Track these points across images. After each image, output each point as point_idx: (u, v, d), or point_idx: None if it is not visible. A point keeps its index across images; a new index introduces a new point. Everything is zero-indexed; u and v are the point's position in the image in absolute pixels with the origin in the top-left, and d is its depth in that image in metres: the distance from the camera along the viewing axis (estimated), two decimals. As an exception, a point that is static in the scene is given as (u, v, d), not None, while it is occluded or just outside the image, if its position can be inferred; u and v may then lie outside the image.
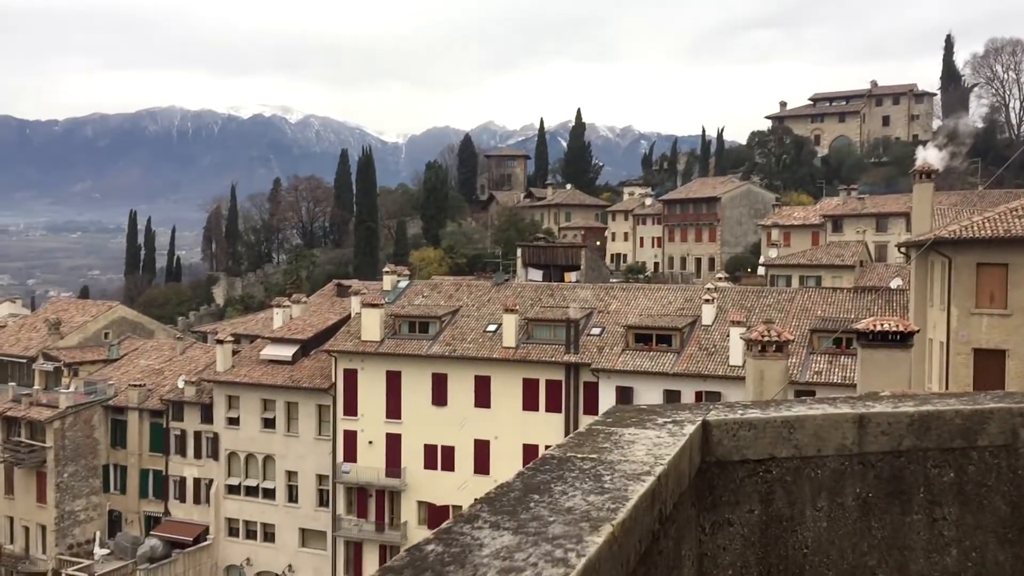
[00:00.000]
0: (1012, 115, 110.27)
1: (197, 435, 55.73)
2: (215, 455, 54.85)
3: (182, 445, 56.28)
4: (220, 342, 55.28)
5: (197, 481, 55.99)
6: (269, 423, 53.51)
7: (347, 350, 51.35)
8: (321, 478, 52.56)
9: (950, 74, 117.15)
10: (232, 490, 54.60)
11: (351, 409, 51.39)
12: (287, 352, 54.11)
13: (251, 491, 54.06)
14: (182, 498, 56.69)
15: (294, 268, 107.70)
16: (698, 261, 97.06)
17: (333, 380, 51.68)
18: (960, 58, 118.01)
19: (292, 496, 53.40)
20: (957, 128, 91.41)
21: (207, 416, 55.13)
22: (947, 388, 29.15)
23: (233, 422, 54.33)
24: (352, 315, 54.30)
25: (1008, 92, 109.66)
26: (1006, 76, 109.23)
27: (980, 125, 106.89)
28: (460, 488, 49.51)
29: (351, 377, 51.44)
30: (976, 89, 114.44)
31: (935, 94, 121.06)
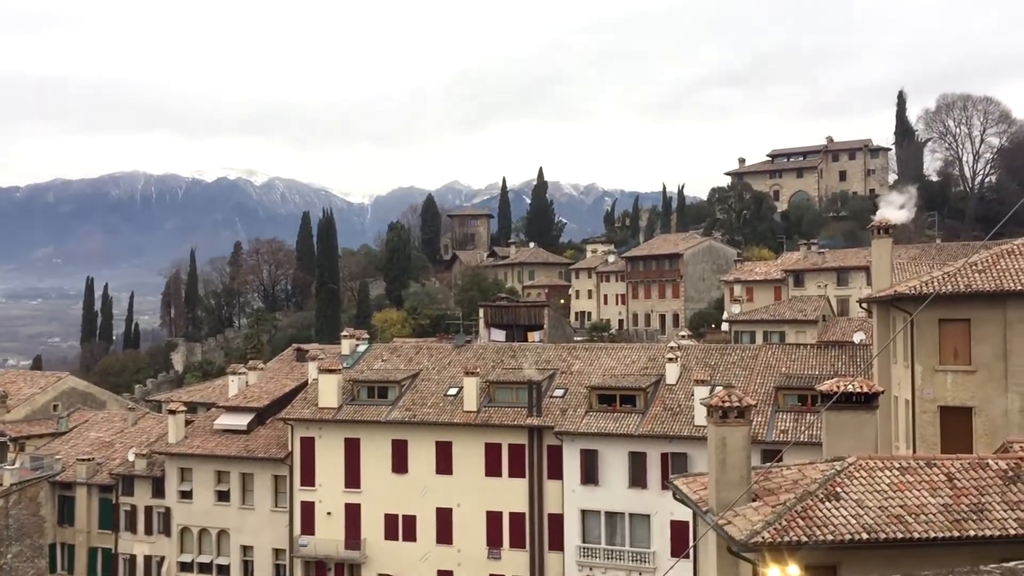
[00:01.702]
0: (965, 169, 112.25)
1: (148, 510, 53.57)
2: (167, 531, 52.67)
3: (132, 521, 54.03)
4: (172, 412, 53.48)
5: (148, 559, 53.63)
6: (223, 496, 51.59)
7: (304, 418, 49.90)
8: (278, 552, 50.61)
9: (904, 129, 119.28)
10: (185, 567, 52.34)
11: (308, 479, 49.71)
12: (242, 421, 52.46)
13: (204, 568, 51.86)
14: (132, 577, 54.21)
15: (255, 332, 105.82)
16: (662, 317, 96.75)
17: (290, 449, 50.09)
18: (913, 113, 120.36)
19: (248, 572, 51.24)
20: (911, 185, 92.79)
21: (159, 490, 53.08)
22: (914, 448, 28.48)
23: (186, 495, 52.34)
24: (309, 381, 52.91)
25: (960, 146, 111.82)
26: (958, 131, 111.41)
27: (935, 179, 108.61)
28: (422, 559, 47.91)
29: (308, 446, 49.87)
30: (929, 144, 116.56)
31: (890, 149, 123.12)
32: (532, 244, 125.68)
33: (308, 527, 49.57)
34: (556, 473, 46.07)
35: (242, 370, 57.48)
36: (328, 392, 49.70)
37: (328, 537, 48.94)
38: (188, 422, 54.44)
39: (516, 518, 46.79)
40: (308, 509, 49.66)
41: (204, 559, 51.90)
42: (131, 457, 54.29)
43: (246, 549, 51.21)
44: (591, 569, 44.95)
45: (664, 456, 43.81)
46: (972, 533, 17.88)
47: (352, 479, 49.12)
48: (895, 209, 58.01)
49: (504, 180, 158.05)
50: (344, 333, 58.50)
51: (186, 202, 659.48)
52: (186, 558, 52.23)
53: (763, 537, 17.49)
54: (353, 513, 49.07)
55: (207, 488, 51.83)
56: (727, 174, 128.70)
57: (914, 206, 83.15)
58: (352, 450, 49.24)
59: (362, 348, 56.00)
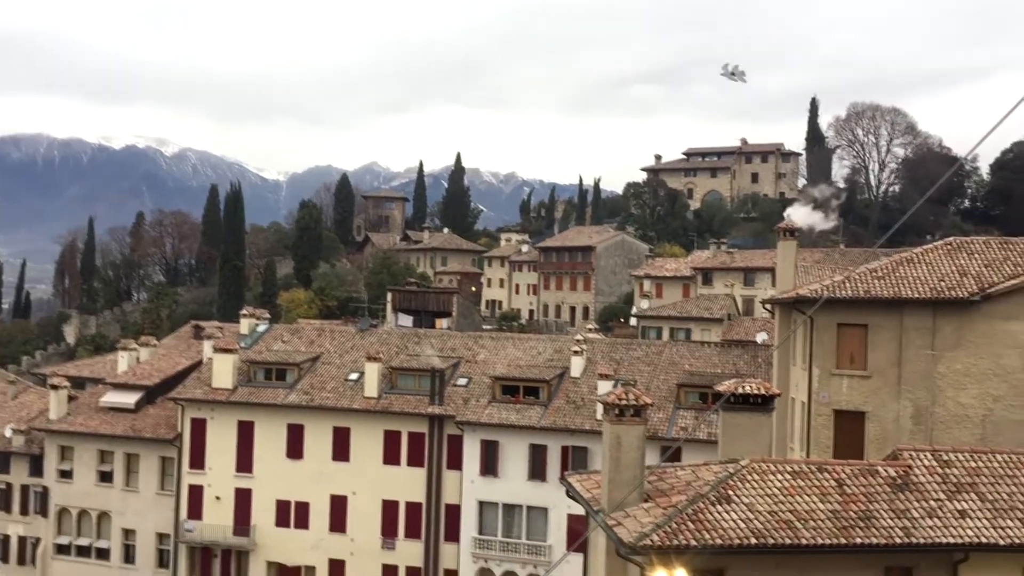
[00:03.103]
0: (871, 177, 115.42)
1: (24, 489, 50.91)
2: (44, 511, 50.06)
3: (7, 500, 51.26)
4: (54, 387, 50.78)
5: (23, 540, 50.99)
6: (106, 476, 49.34)
7: (196, 398, 48.00)
8: (162, 537, 48.68)
9: (815, 135, 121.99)
10: (62, 550, 49.89)
11: (198, 462, 47.85)
12: (130, 399, 50.18)
13: (83, 551, 49.55)
14: (4, 559, 51.47)
15: (154, 307, 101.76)
16: (572, 309, 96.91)
17: (179, 430, 48.14)
18: (824, 121, 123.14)
19: (129, 556, 49.17)
20: (822, 191, 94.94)
21: (36, 468, 50.46)
22: (808, 450, 28.62)
23: (65, 475, 49.85)
24: (204, 360, 50.90)
25: (867, 155, 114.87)
26: (866, 139, 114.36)
27: (841, 186, 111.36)
28: (314, 547, 46.70)
29: (199, 427, 47.99)
30: (838, 151, 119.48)
31: (800, 154, 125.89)
32: (446, 230, 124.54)
33: (195, 512, 47.73)
34: (455, 463, 45.35)
35: (133, 346, 55.00)
36: (223, 372, 47.87)
37: (216, 522, 47.22)
38: (72, 398, 51.83)
39: (413, 508, 45.91)
40: (196, 493, 47.82)
41: (83, 542, 49.55)
42: (8, 433, 51.43)
43: (128, 532, 49.10)
44: (486, 561, 44.41)
45: (565, 449, 43.51)
46: (859, 541, 17.77)
47: (244, 463, 47.47)
48: (808, 212, 59.10)
49: (421, 164, 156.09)
50: (244, 312, 56.53)
51: (92, 168, 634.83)
52: (64, 540, 49.78)
53: (652, 540, 17.03)
54: (243, 498, 47.45)
55: (89, 468, 49.46)
56: (643, 170, 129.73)
57: (834, 215, 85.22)
58: (245, 433, 47.58)
59: (262, 328, 54.18)
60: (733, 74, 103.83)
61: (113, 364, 57.07)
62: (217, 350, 48.47)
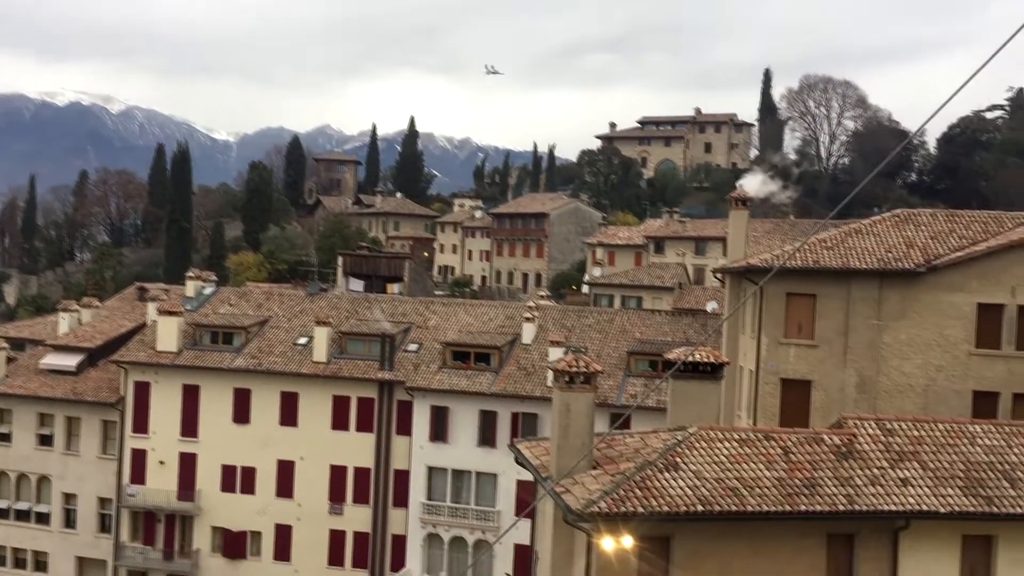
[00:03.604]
0: (822, 149, 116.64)
1: (-40, 453, 49.48)
2: (-19, 475, 48.85)
3: (-58, 464, 49.81)
4: (-8, 349, 49.39)
5: (-41, 504, 49.68)
6: (46, 440, 48.27)
7: (139, 361, 47.03)
8: (103, 501, 47.83)
9: (767, 107, 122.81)
10: (0, 514, 48.77)
11: (141, 426, 47.00)
12: (71, 361, 49.00)
13: (22, 515, 48.59)
14: (-60, 523, 50.15)
15: (98, 268, 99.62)
16: (525, 276, 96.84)
17: (122, 394, 47.17)
18: (777, 92, 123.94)
19: (70, 521, 48.28)
20: (775, 161, 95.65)
21: (-27, 432, 49.09)
22: (755, 418, 28.88)
23: (3, 438, 48.74)
24: (148, 323, 49.84)
25: (819, 126, 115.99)
26: (817, 111, 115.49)
27: (793, 157, 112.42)
28: (260, 512, 46.26)
29: (143, 391, 47.08)
30: (790, 122, 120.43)
31: (753, 125, 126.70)
32: (399, 195, 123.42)
33: (139, 476, 46.95)
34: (405, 429, 45.12)
35: (75, 307, 53.68)
36: (167, 335, 46.93)
37: (160, 487, 46.50)
38: (11, 360, 50.48)
39: (361, 473, 45.65)
40: (139, 457, 47.00)
41: (22, 506, 48.55)
42: (-57, 395, 49.87)
43: (69, 497, 48.17)
44: (434, 526, 44.40)
45: (515, 416, 43.49)
46: (803, 508, 17.92)
47: (189, 428, 46.73)
48: (764, 180, 59.28)
49: (374, 127, 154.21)
50: (189, 274, 55.37)
51: (35, 125, 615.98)
52: (2, 504, 48.72)
53: (599, 507, 16.98)
54: (188, 463, 46.76)
55: (28, 431, 48.32)
56: (598, 138, 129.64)
57: (792, 185, 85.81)
58: (190, 397, 46.80)
59: (208, 291, 53.17)
60: (494, 72, 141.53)
61: (54, 326, 55.59)
62: (162, 312, 47.46)
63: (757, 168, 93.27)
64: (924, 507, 18.31)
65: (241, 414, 46.48)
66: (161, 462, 46.69)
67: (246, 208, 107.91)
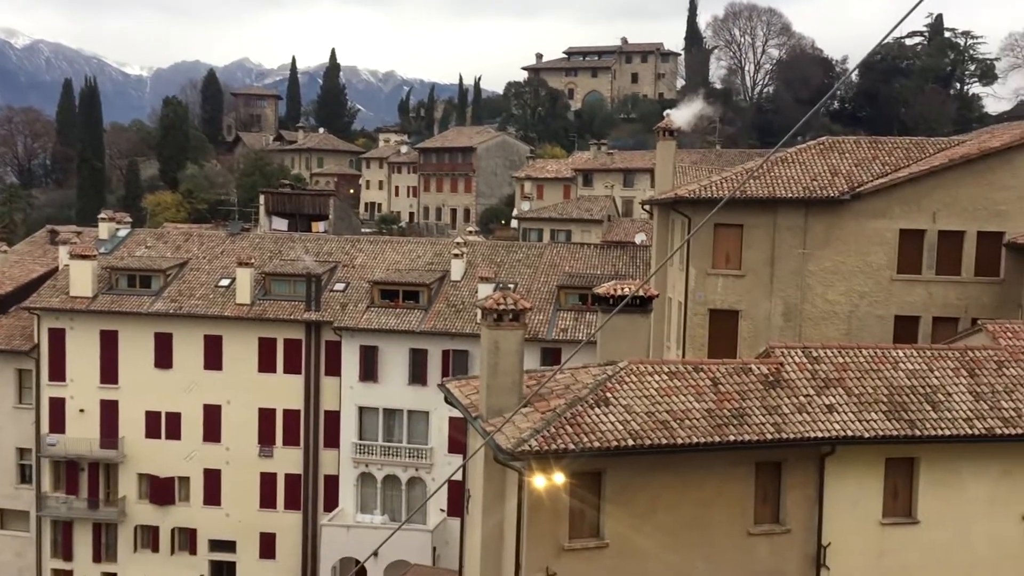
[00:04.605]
0: (747, 78, 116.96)
1: None
2: None
3: None
4: None
5: None
6: (-43, 392, 46.29)
7: (52, 307, 45.21)
8: (22, 452, 46.40)
9: (693, 36, 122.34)
10: (-88, 470, 46.97)
11: (58, 374, 45.39)
12: (-21, 310, 46.82)
13: (-64, 470, 46.75)
14: None
15: (7, 211, 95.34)
16: (453, 212, 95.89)
17: (36, 341, 45.39)
18: (703, 21, 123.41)
19: (-13, 474, 46.71)
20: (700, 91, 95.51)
21: None
22: (684, 350, 29.02)
23: (-89, 391, 46.55)
24: (60, 267, 47.84)
25: (744, 56, 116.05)
26: (743, 40, 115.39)
27: (719, 86, 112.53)
28: (187, 458, 45.42)
29: (58, 338, 45.36)
30: (716, 52, 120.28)
31: (679, 54, 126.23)
32: (322, 130, 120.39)
33: (58, 425, 45.51)
34: (334, 370, 44.48)
35: (-19, 253, 51.18)
36: (81, 280, 45.11)
37: (81, 436, 45.16)
38: (-86, 310, 48.03)
39: (290, 415, 45.01)
40: (58, 406, 45.49)
41: (-65, 461, 46.73)
42: None
43: (-15, 450, 46.53)
44: (367, 466, 44.18)
45: (446, 353, 43.17)
46: (732, 438, 17.98)
47: (109, 374, 45.31)
48: (697, 106, 59.00)
49: (294, 60, 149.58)
50: (102, 216, 53.16)
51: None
52: (-86, 460, 46.82)
53: (530, 446, 16.75)
54: (110, 410, 45.47)
55: (-63, 383, 46.30)
56: (524, 69, 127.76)
57: (710, 114, 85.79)
58: (109, 343, 45.28)
59: (123, 233, 51.19)
60: None
61: (-41, 273, 53.07)
62: (74, 256, 45.54)
63: (694, 89, 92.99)
64: (849, 432, 18.54)
65: (163, 359, 45.20)
66: (81, 410, 45.28)
67: (161, 146, 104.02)
